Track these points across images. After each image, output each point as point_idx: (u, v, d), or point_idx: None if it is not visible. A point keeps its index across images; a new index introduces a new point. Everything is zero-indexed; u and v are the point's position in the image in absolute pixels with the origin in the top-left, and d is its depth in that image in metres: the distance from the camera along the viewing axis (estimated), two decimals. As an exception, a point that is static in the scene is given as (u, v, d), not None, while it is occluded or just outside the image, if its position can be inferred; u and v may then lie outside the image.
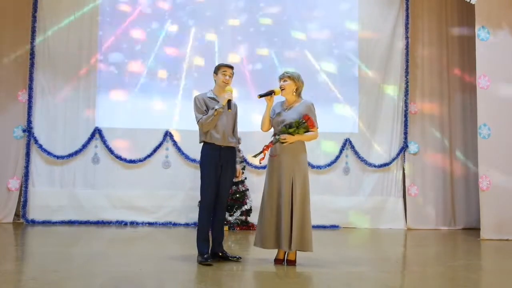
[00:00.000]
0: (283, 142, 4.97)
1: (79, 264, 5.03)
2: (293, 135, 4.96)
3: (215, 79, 5.28)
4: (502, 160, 7.34)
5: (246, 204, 7.79)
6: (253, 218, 7.79)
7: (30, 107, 8.01)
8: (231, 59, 8.22)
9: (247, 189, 7.87)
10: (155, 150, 8.19)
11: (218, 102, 5.21)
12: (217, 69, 5.27)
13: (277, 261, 5.09)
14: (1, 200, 7.82)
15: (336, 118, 8.48)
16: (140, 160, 8.15)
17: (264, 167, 7.96)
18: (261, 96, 5.18)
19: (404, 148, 8.54)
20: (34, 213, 7.89)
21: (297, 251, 5.04)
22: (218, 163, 5.13)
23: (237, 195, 7.75)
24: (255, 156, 5.08)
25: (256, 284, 4.65)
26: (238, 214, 7.77)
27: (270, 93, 5.14)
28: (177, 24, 8.39)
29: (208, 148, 5.13)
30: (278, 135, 5.02)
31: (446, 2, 8.77)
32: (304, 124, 4.95)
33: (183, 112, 8.15)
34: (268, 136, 5.30)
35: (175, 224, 8.04)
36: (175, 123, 8.25)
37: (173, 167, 8.21)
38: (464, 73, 8.72)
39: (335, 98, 8.54)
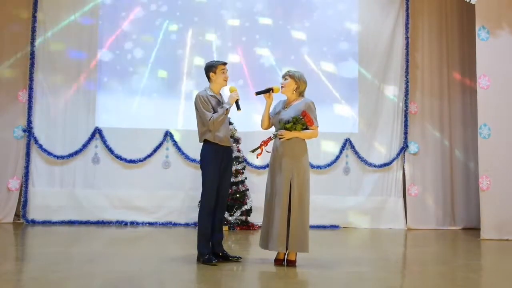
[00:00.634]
0: (280, 138, 4.97)
1: (79, 264, 5.03)
2: (290, 130, 4.95)
3: (212, 78, 5.21)
4: (502, 160, 7.34)
5: (246, 204, 7.79)
6: (253, 218, 7.79)
7: (30, 107, 8.01)
8: (231, 59, 8.22)
9: (247, 189, 7.87)
10: (155, 150, 8.19)
11: (219, 100, 5.20)
12: (214, 68, 5.19)
13: (277, 261, 5.08)
14: (1, 200, 7.81)
15: (336, 118, 8.48)
16: (140, 160, 8.15)
17: (264, 167, 7.99)
18: (258, 93, 5.18)
19: (404, 148, 8.54)
20: (34, 213, 7.89)
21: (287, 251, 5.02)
22: (221, 163, 5.13)
23: (237, 195, 7.75)
24: (252, 151, 5.08)
25: (256, 284, 4.65)
26: (238, 214, 7.77)
27: (268, 91, 5.14)
28: (177, 24, 8.39)
29: (211, 148, 5.11)
30: (276, 131, 5.03)
31: (446, 2, 8.77)
32: (302, 120, 4.93)
33: (184, 112, 8.15)
34: (268, 134, 5.29)
35: (175, 224, 8.04)
36: (175, 123, 8.24)
37: (173, 167, 8.21)
38: (464, 73, 8.72)
39: (335, 98, 8.54)
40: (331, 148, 8.46)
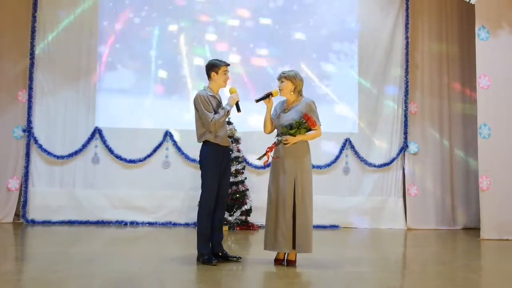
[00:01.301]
0: (285, 143, 4.96)
1: (79, 264, 5.03)
2: (294, 136, 4.95)
3: (213, 77, 5.19)
4: (503, 160, 7.33)
5: (246, 204, 7.79)
6: (253, 218, 7.79)
7: (30, 107, 8.01)
8: (231, 59, 8.20)
9: (247, 189, 7.86)
10: (155, 150, 8.19)
11: (218, 100, 5.20)
12: (217, 68, 5.17)
13: (277, 261, 5.08)
14: (1, 200, 7.81)
15: (336, 118, 8.47)
16: (140, 160, 8.15)
17: (264, 167, 7.97)
18: (258, 100, 5.18)
19: (404, 148, 8.53)
20: (34, 213, 7.89)
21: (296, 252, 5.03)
22: (221, 164, 5.13)
23: (237, 195, 7.75)
24: (259, 159, 5.09)
25: (256, 284, 4.65)
26: (238, 214, 7.76)
27: (267, 96, 5.13)
28: (177, 24, 8.39)
29: (212, 148, 5.10)
30: (280, 136, 5.02)
31: (446, 2, 8.76)
32: (305, 124, 4.94)
33: (183, 112, 8.14)
34: (268, 136, 5.29)
35: (175, 224, 8.04)
36: (175, 123, 8.24)
37: (173, 167, 8.21)
38: (464, 73, 8.71)
39: (335, 98, 8.53)
40: (331, 148, 8.46)
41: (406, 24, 8.61)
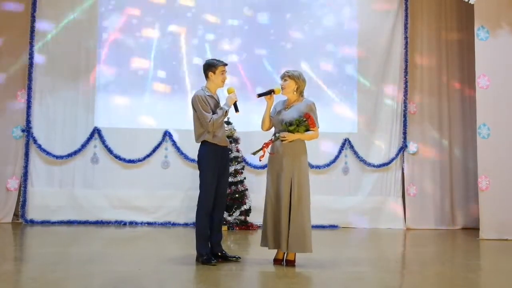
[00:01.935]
0: (282, 140, 4.97)
1: (78, 264, 5.03)
2: (293, 133, 4.96)
3: (211, 77, 5.18)
4: (502, 160, 7.33)
5: (245, 204, 7.78)
6: (252, 218, 7.79)
7: (29, 107, 8.01)
8: (230, 59, 8.19)
9: (246, 189, 7.86)
10: (154, 150, 8.19)
11: (216, 100, 5.20)
12: (214, 68, 5.16)
13: (276, 261, 5.09)
14: (0, 200, 7.80)
15: (335, 118, 8.47)
16: (139, 160, 8.15)
17: (263, 167, 7.97)
18: (260, 95, 5.18)
19: (403, 148, 8.53)
20: (33, 213, 7.88)
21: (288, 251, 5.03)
22: (220, 164, 5.13)
23: (236, 195, 7.75)
24: (254, 154, 5.08)
25: (255, 284, 4.65)
26: (237, 214, 7.76)
27: (269, 92, 5.13)
28: (176, 24, 8.38)
29: (211, 149, 5.09)
30: (278, 133, 5.02)
31: (445, 2, 8.76)
32: (305, 122, 4.95)
33: (183, 112, 8.13)
34: (268, 135, 5.29)
35: (174, 224, 8.03)
36: (174, 123, 8.23)
37: (172, 167, 8.20)
38: (463, 73, 8.71)
39: (334, 98, 8.52)
40: (330, 148, 8.46)
41: (405, 24, 8.60)
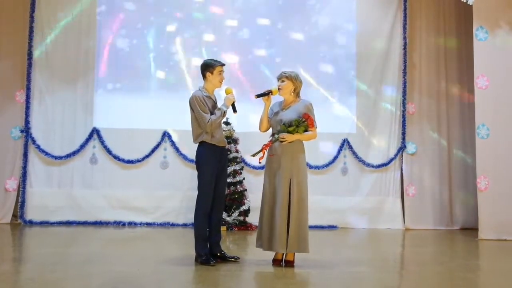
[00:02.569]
0: (282, 141, 4.97)
1: (77, 264, 5.02)
2: (292, 133, 4.96)
3: (208, 77, 5.18)
4: (501, 160, 7.34)
5: (244, 204, 7.79)
6: (251, 219, 7.79)
7: (28, 108, 8.00)
8: (228, 60, 8.20)
9: (245, 190, 7.87)
10: (153, 151, 8.18)
11: (214, 101, 5.20)
12: (212, 68, 5.15)
13: (275, 262, 5.09)
14: (-2, 201, 7.82)
15: (334, 119, 8.47)
16: (138, 161, 8.14)
17: (262, 168, 7.96)
18: (258, 96, 5.18)
19: (402, 148, 8.54)
20: (31, 213, 7.87)
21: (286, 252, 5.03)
22: (218, 164, 5.13)
23: (235, 196, 7.75)
24: (254, 155, 5.09)
25: (254, 284, 4.65)
26: (236, 215, 7.76)
27: (267, 93, 5.14)
28: (175, 24, 8.38)
29: (209, 149, 5.09)
30: (277, 134, 5.02)
31: (444, 2, 8.76)
32: (304, 123, 4.96)
33: (181, 112, 8.09)
34: (266, 136, 5.29)
35: (173, 225, 8.03)
36: (173, 123, 8.22)
37: (171, 167, 8.20)
38: (461, 73, 8.71)
39: (333, 99, 8.53)
40: (329, 148, 8.46)
41: (404, 24, 8.61)
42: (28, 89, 8.01)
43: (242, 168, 7.95)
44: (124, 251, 6.02)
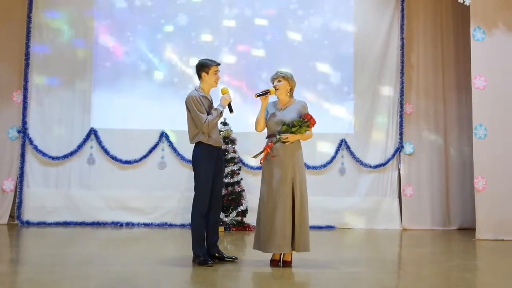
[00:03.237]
0: (284, 142, 4.98)
1: (75, 265, 5.01)
2: (295, 134, 4.97)
3: (204, 77, 5.17)
4: (498, 160, 7.35)
5: (242, 205, 7.79)
6: (249, 219, 7.79)
7: (25, 108, 7.99)
8: (226, 60, 8.22)
9: (243, 190, 7.86)
10: (150, 151, 8.18)
11: (209, 101, 5.19)
12: (207, 68, 5.14)
13: (273, 262, 5.08)
14: (-4, 201, 7.80)
15: (332, 119, 8.47)
16: (136, 161, 8.14)
17: (260, 168, 7.94)
18: (258, 95, 5.17)
19: (399, 148, 8.55)
20: (29, 214, 7.86)
21: (293, 252, 5.03)
22: (215, 165, 5.12)
23: (233, 196, 7.74)
24: (255, 157, 5.09)
25: (252, 285, 4.65)
26: (234, 215, 7.76)
27: (266, 93, 5.14)
28: (173, 25, 8.38)
29: (206, 150, 5.08)
30: (279, 134, 5.02)
31: (441, 3, 8.78)
32: (307, 123, 4.99)
33: (179, 112, 8.08)
34: (264, 136, 5.29)
35: (171, 225, 8.03)
36: (170, 124, 8.21)
37: (169, 167, 8.20)
38: (459, 73, 8.73)
39: (331, 99, 8.53)
40: (326, 148, 8.47)
41: (402, 25, 8.63)
42: (25, 89, 8.00)
43: (239, 169, 7.95)
44: (122, 251, 6.01)
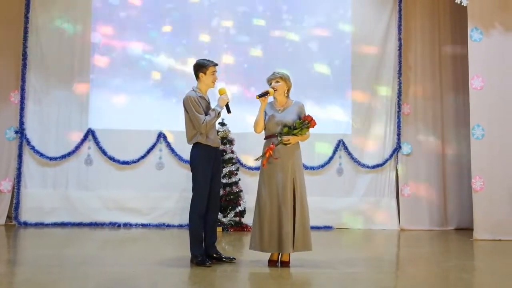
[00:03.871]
0: (286, 144, 4.98)
1: (72, 266, 5.00)
2: (296, 135, 4.99)
3: (201, 78, 5.17)
4: (496, 160, 7.36)
5: (240, 205, 7.78)
6: (247, 219, 7.77)
7: (22, 108, 7.98)
8: (225, 60, 8.22)
9: (241, 190, 7.86)
10: (148, 152, 8.17)
11: (207, 101, 5.19)
12: (205, 69, 5.14)
13: (271, 262, 5.09)
14: (-7, 202, 7.78)
15: (330, 119, 8.47)
16: (134, 162, 8.13)
17: (258, 168, 7.94)
18: (259, 96, 5.14)
19: (397, 149, 8.56)
20: (26, 215, 7.85)
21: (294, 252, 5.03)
22: (213, 165, 5.12)
23: (231, 197, 7.74)
24: (257, 159, 5.09)
25: (250, 285, 4.65)
26: (232, 216, 7.76)
27: (266, 94, 5.14)
28: (171, 25, 8.38)
29: (204, 150, 5.08)
30: (280, 136, 5.02)
31: (439, 3, 8.79)
32: (308, 124, 5.01)
33: (177, 113, 8.09)
34: (262, 137, 5.28)
35: (168, 226, 8.02)
36: (168, 124, 8.21)
37: (167, 168, 8.19)
38: (456, 74, 8.74)
39: (329, 99, 8.53)
40: (324, 149, 8.47)
41: (399, 25, 8.63)
42: (22, 90, 7.99)
43: (237, 169, 7.95)
44: (120, 252, 6.00)
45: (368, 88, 8.58)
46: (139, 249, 6.32)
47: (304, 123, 5.00)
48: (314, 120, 5.02)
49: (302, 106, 5.17)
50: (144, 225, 7.98)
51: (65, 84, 8.11)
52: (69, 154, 8.03)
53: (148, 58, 8.33)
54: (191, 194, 5.13)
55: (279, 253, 5.07)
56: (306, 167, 8.13)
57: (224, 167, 7.66)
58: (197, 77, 5.21)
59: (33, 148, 7.96)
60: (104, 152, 8.09)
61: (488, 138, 7.38)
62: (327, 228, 8.21)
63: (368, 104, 8.57)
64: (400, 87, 8.60)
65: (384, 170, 8.53)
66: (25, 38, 8.01)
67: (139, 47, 8.31)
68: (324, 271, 4.98)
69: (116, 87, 8.23)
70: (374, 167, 8.48)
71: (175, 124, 8.12)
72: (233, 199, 7.75)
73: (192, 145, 5.16)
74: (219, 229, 7.46)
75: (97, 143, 8.10)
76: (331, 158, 8.45)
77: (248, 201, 7.73)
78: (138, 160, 8.14)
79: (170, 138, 8.22)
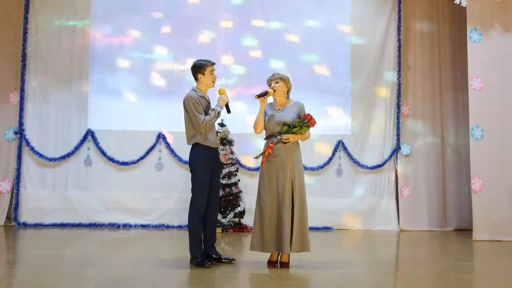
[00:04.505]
0: (285, 142, 4.98)
1: (72, 267, 5.00)
2: (296, 134, 4.99)
3: (200, 79, 5.16)
4: (495, 161, 7.37)
5: (239, 206, 7.78)
6: (247, 220, 7.78)
7: (21, 109, 7.98)
8: (224, 61, 8.23)
9: (241, 191, 7.86)
10: (148, 152, 8.17)
11: (207, 101, 5.19)
12: (203, 69, 5.14)
13: (271, 263, 5.09)
14: (-8, 203, 7.78)
15: (329, 120, 8.48)
16: (133, 162, 8.13)
17: (257, 169, 7.95)
18: (258, 96, 5.15)
19: (396, 149, 8.56)
20: (25, 215, 7.85)
21: (291, 252, 5.03)
22: (213, 166, 5.12)
23: (231, 197, 7.74)
24: (257, 158, 5.10)
25: (249, 286, 4.65)
26: (232, 216, 7.76)
27: (265, 94, 5.14)
28: (170, 26, 8.38)
29: (203, 151, 5.08)
30: (280, 135, 5.03)
31: (438, 4, 8.80)
32: (307, 123, 5.01)
33: (176, 114, 8.08)
34: (262, 138, 5.28)
35: (168, 227, 8.02)
36: (168, 125, 8.21)
37: (166, 169, 8.19)
38: (456, 75, 8.75)
39: (328, 100, 8.53)
40: (323, 150, 8.47)
41: (398, 26, 8.64)
42: (22, 90, 7.99)
43: (237, 170, 7.95)
44: (119, 253, 6.00)
45: (367, 88, 8.58)
46: (138, 250, 6.32)
47: (303, 121, 5.00)
48: (314, 119, 5.02)
49: (302, 106, 5.17)
50: (143, 226, 7.98)
51: (64, 85, 8.11)
52: (68, 154, 8.03)
53: (148, 59, 8.33)
54: (190, 195, 5.13)
55: (278, 254, 5.07)
56: (306, 168, 8.11)
57: (224, 167, 7.67)
58: (196, 78, 5.21)
59: (32, 149, 7.96)
60: (103, 153, 8.09)
61: (488, 138, 7.39)
62: (327, 229, 8.20)
63: (368, 105, 8.57)
64: (399, 88, 8.61)
65: (384, 170, 8.53)
66: (24, 39, 8.01)
67: (138, 48, 8.31)
68: (323, 272, 4.98)
69: (116, 88, 8.23)
70: (373, 167, 8.48)
71: (174, 125, 8.09)
72: (233, 200, 7.75)
73: (191, 145, 5.16)
74: (218, 229, 7.46)
75: (96, 143, 8.10)
76: (330, 159, 8.45)
77: (248, 202, 7.73)
78: (138, 161, 8.14)
79: (169, 139, 8.22)
